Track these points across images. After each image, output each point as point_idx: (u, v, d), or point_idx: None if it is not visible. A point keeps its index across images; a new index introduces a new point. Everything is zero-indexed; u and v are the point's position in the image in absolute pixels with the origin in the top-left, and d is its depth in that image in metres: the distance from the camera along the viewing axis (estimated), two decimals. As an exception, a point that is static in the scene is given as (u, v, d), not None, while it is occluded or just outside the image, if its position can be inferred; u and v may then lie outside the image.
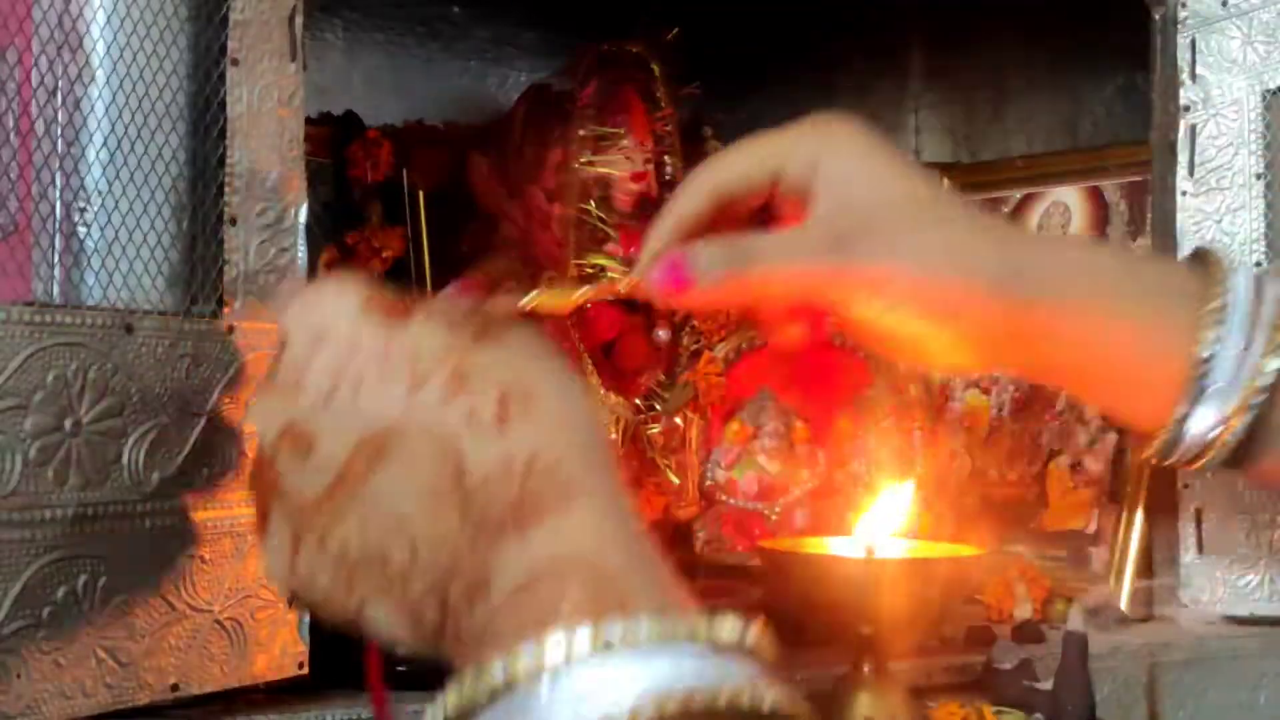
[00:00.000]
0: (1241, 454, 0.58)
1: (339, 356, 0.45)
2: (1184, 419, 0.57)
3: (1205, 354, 0.56)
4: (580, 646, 0.38)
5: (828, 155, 0.56)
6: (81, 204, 0.53)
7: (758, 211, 0.58)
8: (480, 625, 0.41)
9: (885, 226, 0.55)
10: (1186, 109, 0.78)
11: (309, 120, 0.59)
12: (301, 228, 0.57)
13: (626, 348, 0.86)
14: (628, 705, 0.37)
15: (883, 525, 0.66)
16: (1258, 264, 0.77)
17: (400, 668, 0.60)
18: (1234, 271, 0.58)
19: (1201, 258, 0.59)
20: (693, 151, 0.93)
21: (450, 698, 0.38)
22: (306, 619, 0.58)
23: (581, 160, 0.84)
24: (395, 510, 0.43)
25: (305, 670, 0.58)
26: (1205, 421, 0.56)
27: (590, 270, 0.83)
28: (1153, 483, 0.80)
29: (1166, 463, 0.58)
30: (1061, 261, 0.58)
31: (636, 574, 0.41)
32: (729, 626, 0.39)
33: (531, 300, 0.50)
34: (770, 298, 0.56)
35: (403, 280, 0.87)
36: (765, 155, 0.57)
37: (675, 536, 0.86)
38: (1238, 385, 0.56)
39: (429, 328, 0.45)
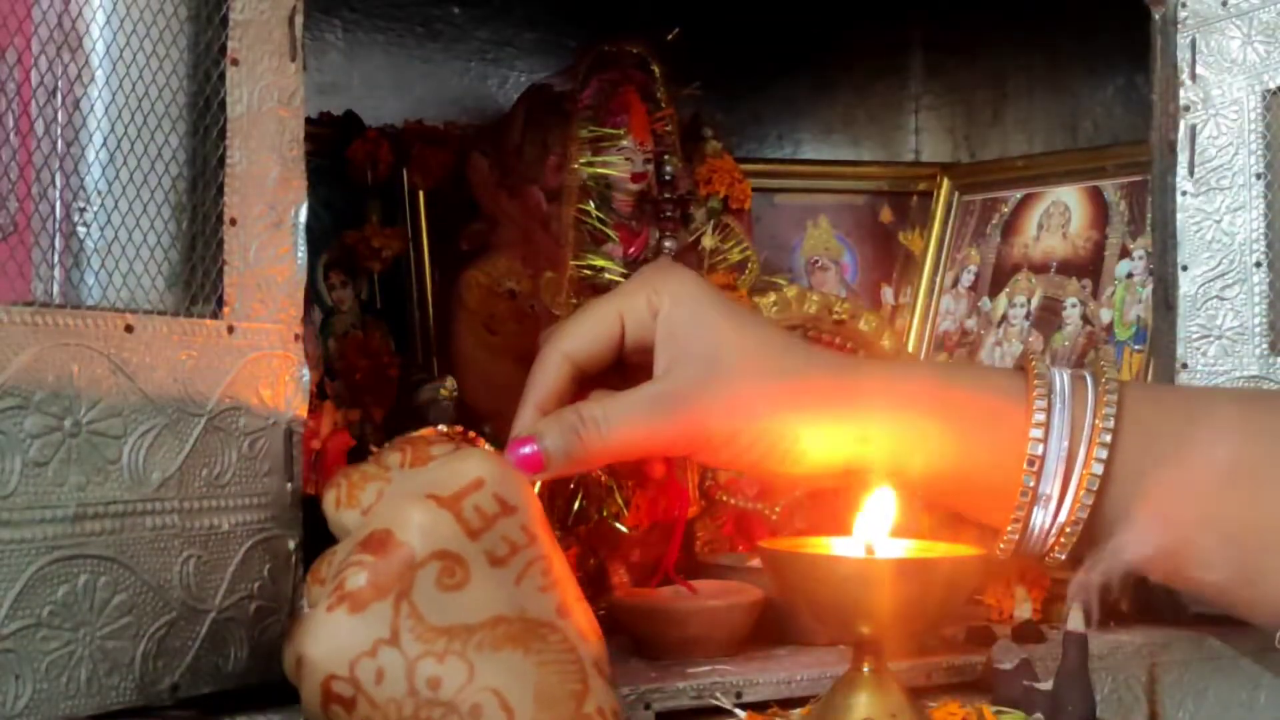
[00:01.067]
0: (1084, 544, 0.63)
1: (520, 534, 0.51)
2: (1024, 522, 0.61)
3: (1033, 461, 0.62)
4: None
5: (662, 308, 0.62)
6: (81, 204, 0.53)
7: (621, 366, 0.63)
8: None
9: (706, 381, 0.61)
10: (1186, 109, 0.78)
11: (309, 120, 0.59)
12: (301, 228, 0.57)
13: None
14: None
15: (877, 525, 0.66)
16: (1257, 264, 0.77)
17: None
18: (1053, 377, 0.63)
19: (1022, 365, 0.64)
20: (693, 151, 0.93)
21: None
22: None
23: (581, 160, 0.84)
24: (510, 689, 0.48)
25: (305, 670, 0.57)
26: (1044, 521, 0.61)
27: (589, 270, 0.83)
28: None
29: (1019, 557, 0.63)
30: (882, 385, 0.64)
31: None
32: None
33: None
34: (618, 458, 0.63)
35: (402, 280, 0.87)
36: (606, 318, 0.62)
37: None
38: (1069, 489, 0.60)
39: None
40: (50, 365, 0.49)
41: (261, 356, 0.56)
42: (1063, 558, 0.64)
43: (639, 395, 0.60)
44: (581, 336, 0.62)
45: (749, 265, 0.91)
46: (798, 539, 0.77)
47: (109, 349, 0.51)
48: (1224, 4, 0.77)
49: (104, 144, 0.53)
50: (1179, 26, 0.78)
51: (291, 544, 0.57)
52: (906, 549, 0.67)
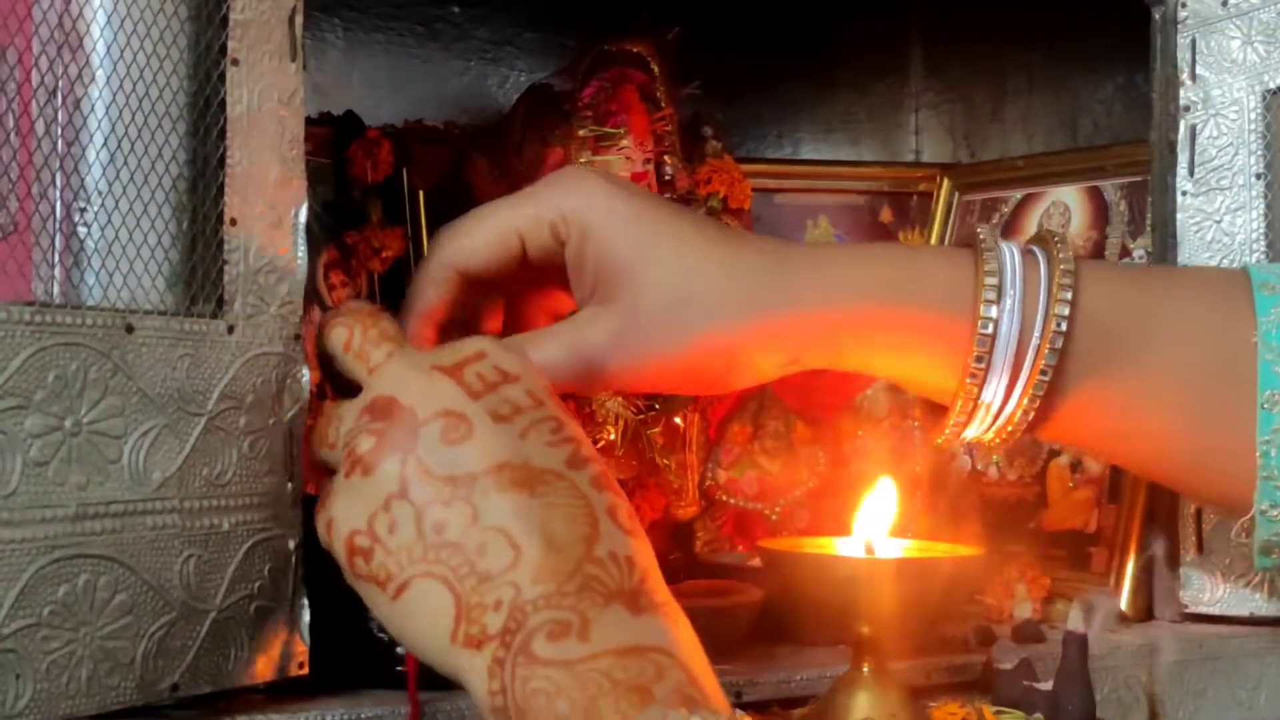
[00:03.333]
0: (1033, 429, 0.61)
1: (524, 398, 0.51)
2: (968, 418, 0.59)
3: (987, 331, 0.58)
4: None
5: (571, 240, 0.58)
6: (82, 204, 0.53)
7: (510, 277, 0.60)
8: (565, 659, 0.46)
9: (658, 314, 0.57)
10: (1186, 109, 0.78)
11: (309, 120, 0.59)
12: (301, 227, 0.57)
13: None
14: None
15: (876, 524, 0.66)
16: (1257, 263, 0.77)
17: (400, 668, 0.61)
18: (1004, 267, 0.59)
19: (969, 240, 0.62)
20: (693, 151, 0.93)
21: None
22: (307, 619, 0.57)
23: (581, 160, 0.84)
24: (516, 528, 0.48)
25: (305, 670, 0.58)
26: (993, 406, 0.59)
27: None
28: (1153, 482, 0.80)
29: (964, 438, 0.61)
30: (823, 269, 0.60)
31: (713, 690, 0.47)
32: None
33: None
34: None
35: (403, 280, 0.87)
36: (503, 237, 0.59)
37: (675, 536, 0.86)
38: (1021, 372, 0.58)
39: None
40: (51, 365, 0.49)
41: (262, 356, 0.56)
42: (1014, 439, 0.62)
43: (560, 345, 0.58)
44: (473, 252, 0.59)
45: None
46: (798, 539, 0.78)
47: (109, 349, 0.51)
48: (1224, 4, 0.77)
49: (104, 144, 0.53)
50: (1179, 26, 0.78)
51: (292, 544, 0.57)
52: (906, 549, 0.67)
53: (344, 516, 0.51)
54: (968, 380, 0.59)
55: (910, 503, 0.88)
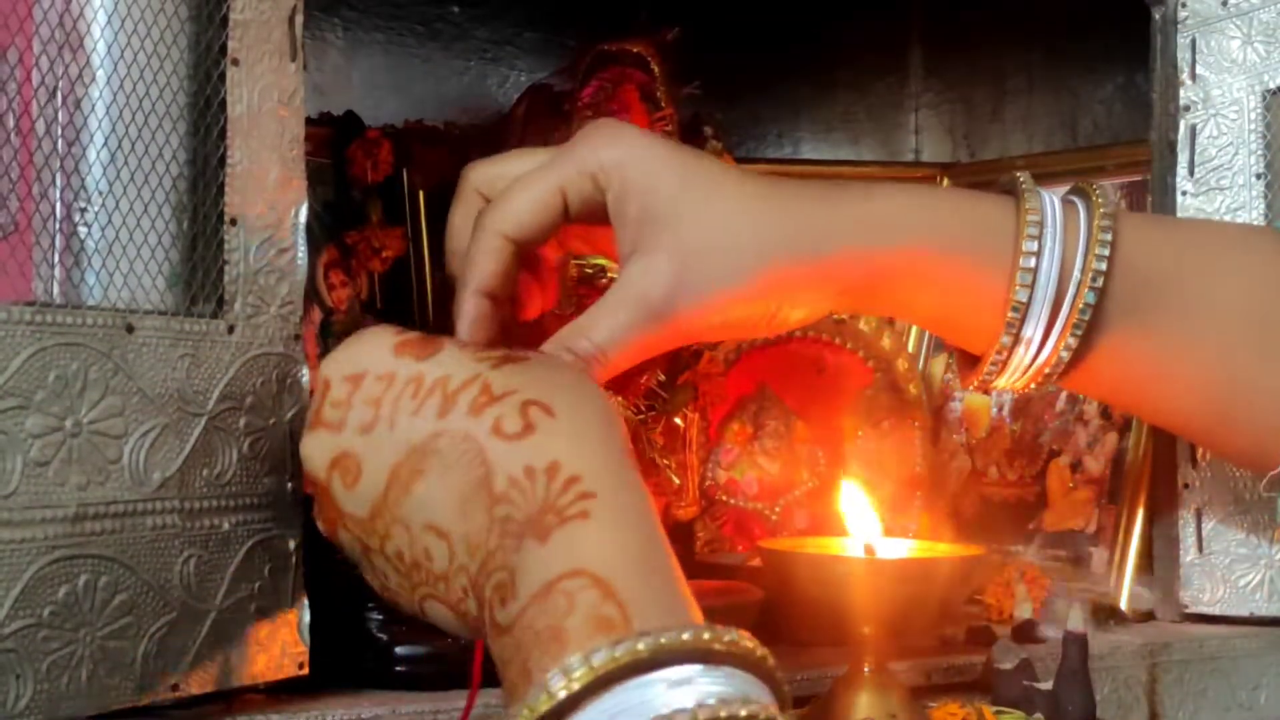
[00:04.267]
0: (1064, 377, 0.61)
1: (376, 390, 0.50)
2: (1009, 348, 0.59)
3: (1021, 297, 0.58)
4: (578, 679, 0.40)
5: (612, 188, 0.57)
6: (82, 204, 0.53)
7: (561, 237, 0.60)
8: (509, 623, 0.44)
9: (683, 263, 0.56)
10: (1186, 109, 0.78)
11: (309, 120, 0.59)
12: (301, 227, 0.57)
13: (626, 347, 0.86)
14: (646, 718, 0.39)
15: (859, 527, 0.66)
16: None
17: (400, 668, 0.61)
18: (1046, 203, 0.60)
19: (1009, 186, 0.61)
20: (693, 152, 0.92)
21: None
22: (307, 619, 0.57)
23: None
24: (435, 516, 0.47)
25: (306, 671, 0.57)
26: (1029, 351, 0.59)
27: (590, 270, 0.83)
28: (1153, 483, 0.81)
29: (998, 384, 0.61)
30: (861, 210, 0.59)
31: (642, 586, 0.43)
32: (728, 638, 0.42)
33: None
34: (619, 370, 0.58)
35: (403, 280, 0.87)
36: (546, 195, 0.58)
37: (675, 536, 0.86)
38: (1059, 317, 0.58)
39: (458, 356, 0.50)
40: (51, 365, 0.49)
41: (262, 356, 0.56)
42: (1045, 386, 0.62)
43: (624, 307, 0.57)
44: (520, 215, 0.58)
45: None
46: (798, 539, 0.78)
47: (110, 349, 0.51)
48: (1224, 4, 0.77)
49: (105, 144, 0.53)
50: (1179, 26, 0.78)
51: (292, 544, 0.57)
52: (906, 549, 0.67)
53: (369, 580, 0.52)
54: (1010, 314, 0.59)
55: (907, 500, 0.88)
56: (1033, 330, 0.60)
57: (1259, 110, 0.77)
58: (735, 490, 0.86)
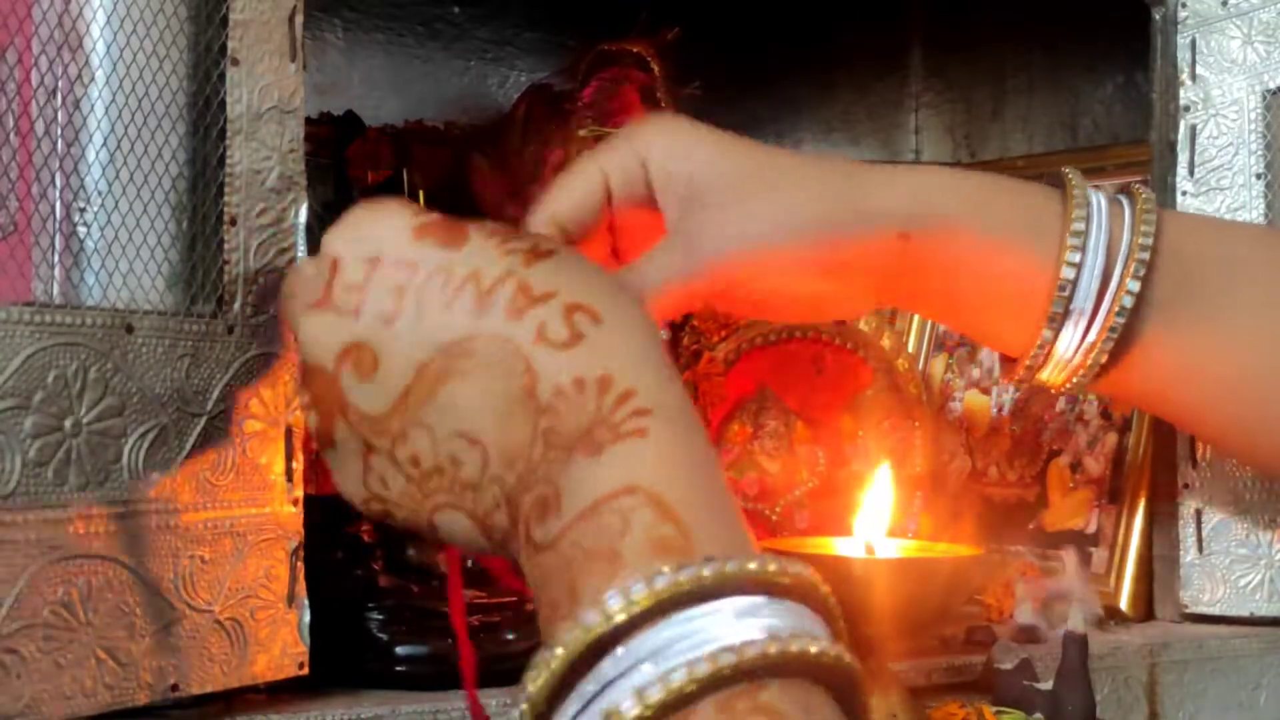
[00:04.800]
0: (1103, 373, 0.61)
1: (398, 277, 0.46)
2: (1052, 340, 0.59)
3: (1069, 275, 0.58)
4: (638, 603, 0.37)
5: (652, 158, 0.58)
6: (81, 204, 0.53)
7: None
8: (550, 540, 0.41)
9: (722, 214, 0.57)
10: (1186, 109, 0.78)
11: (309, 120, 0.59)
12: (301, 228, 0.57)
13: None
14: (712, 648, 0.36)
15: (877, 515, 0.66)
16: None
17: (400, 668, 0.61)
18: (1091, 194, 0.60)
19: (1061, 180, 0.61)
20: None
21: (535, 684, 0.38)
22: (307, 619, 0.57)
23: (581, 160, 0.83)
24: (467, 422, 0.44)
25: (306, 670, 0.57)
26: (1072, 342, 0.59)
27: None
28: (1153, 483, 0.81)
29: (1036, 380, 0.61)
30: (917, 189, 0.60)
31: (702, 509, 0.40)
32: (794, 570, 0.40)
33: None
34: (664, 316, 0.59)
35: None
36: (589, 177, 0.58)
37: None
38: (1101, 307, 0.58)
39: (485, 247, 0.46)
40: (50, 365, 0.49)
41: (261, 356, 0.56)
42: (1085, 383, 0.62)
43: (667, 256, 0.57)
44: (567, 198, 0.58)
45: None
46: (798, 539, 0.77)
47: (109, 349, 0.51)
48: (1224, 4, 0.77)
49: (104, 144, 0.53)
50: (1179, 26, 0.78)
51: (292, 543, 0.57)
52: (906, 549, 0.67)
53: (348, 490, 0.49)
54: (1056, 292, 0.59)
55: (910, 501, 0.88)
56: (1078, 315, 0.60)
57: (1259, 110, 0.77)
58: (735, 490, 0.86)
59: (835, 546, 0.67)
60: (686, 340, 0.89)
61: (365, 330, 0.46)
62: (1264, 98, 0.77)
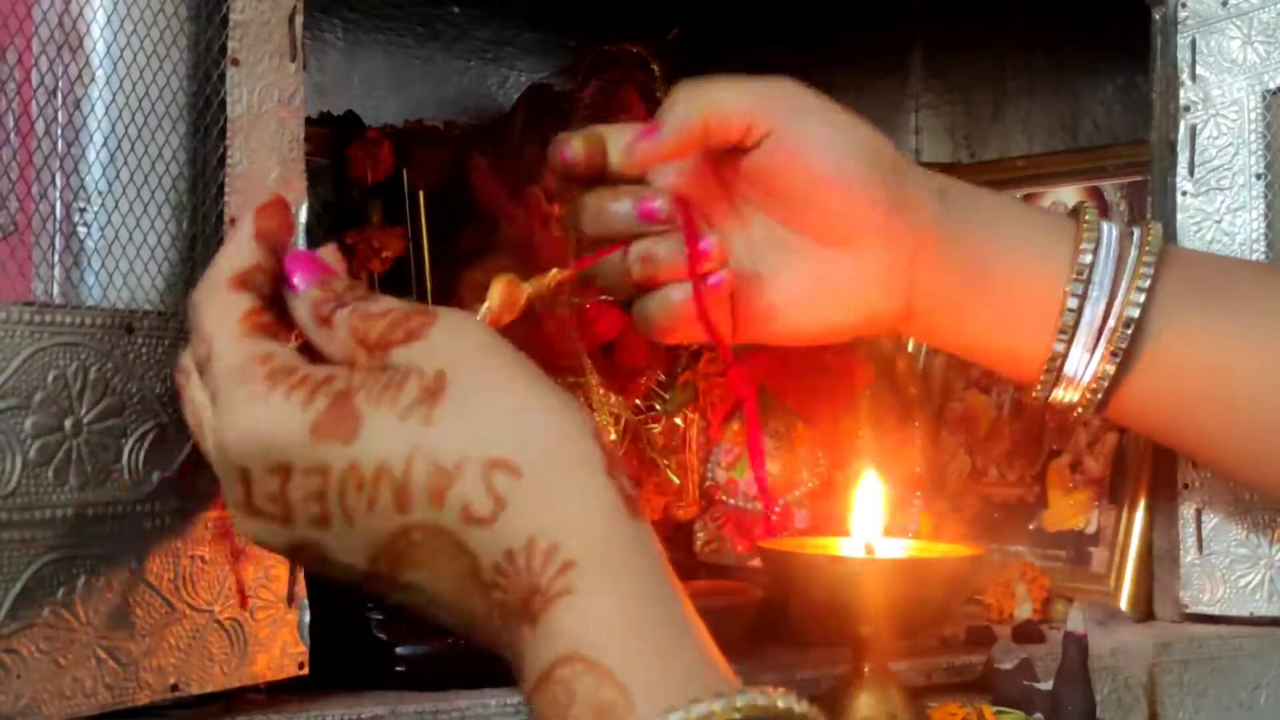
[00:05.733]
0: (1109, 397, 0.63)
1: (312, 485, 0.44)
2: (1060, 359, 0.61)
3: (1073, 304, 0.62)
4: None
5: (792, 118, 0.62)
6: (81, 204, 0.53)
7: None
8: (526, 700, 0.42)
9: (808, 119, 0.62)
10: (1186, 109, 0.78)
11: (309, 120, 0.59)
12: (301, 228, 0.57)
13: (627, 348, 0.86)
14: None
15: (869, 521, 0.66)
16: (1258, 264, 0.76)
17: (399, 668, 0.61)
18: (1101, 223, 0.63)
19: (1075, 210, 0.65)
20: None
21: None
22: (307, 619, 0.57)
23: (581, 161, 0.83)
24: (437, 599, 0.44)
25: (305, 671, 0.57)
26: (1079, 362, 0.61)
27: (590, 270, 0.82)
28: (1153, 483, 0.81)
29: (1049, 400, 0.62)
30: (985, 207, 0.64)
31: (640, 662, 0.41)
32: (740, 702, 0.39)
33: (484, 312, 0.51)
34: (722, 139, 0.60)
35: (403, 280, 0.87)
36: (749, 103, 0.61)
37: (675, 537, 0.86)
38: (1105, 330, 0.60)
39: (381, 425, 0.43)
40: (50, 365, 0.49)
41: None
42: (1091, 409, 0.64)
43: (749, 95, 0.62)
44: (728, 109, 0.61)
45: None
46: (798, 539, 0.77)
47: (109, 349, 0.51)
48: (1224, 4, 0.77)
49: (104, 144, 0.53)
50: (1179, 27, 0.78)
51: (291, 544, 0.57)
52: (906, 549, 0.67)
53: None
54: (1060, 326, 0.62)
55: (909, 501, 0.88)
56: (1086, 330, 0.62)
57: (1259, 110, 0.77)
58: (735, 490, 0.86)
59: (835, 547, 0.67)
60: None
61: (304, 534, 0.45)
62: (1264, 98, 0.77)
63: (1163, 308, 0.62)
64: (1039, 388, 0.64)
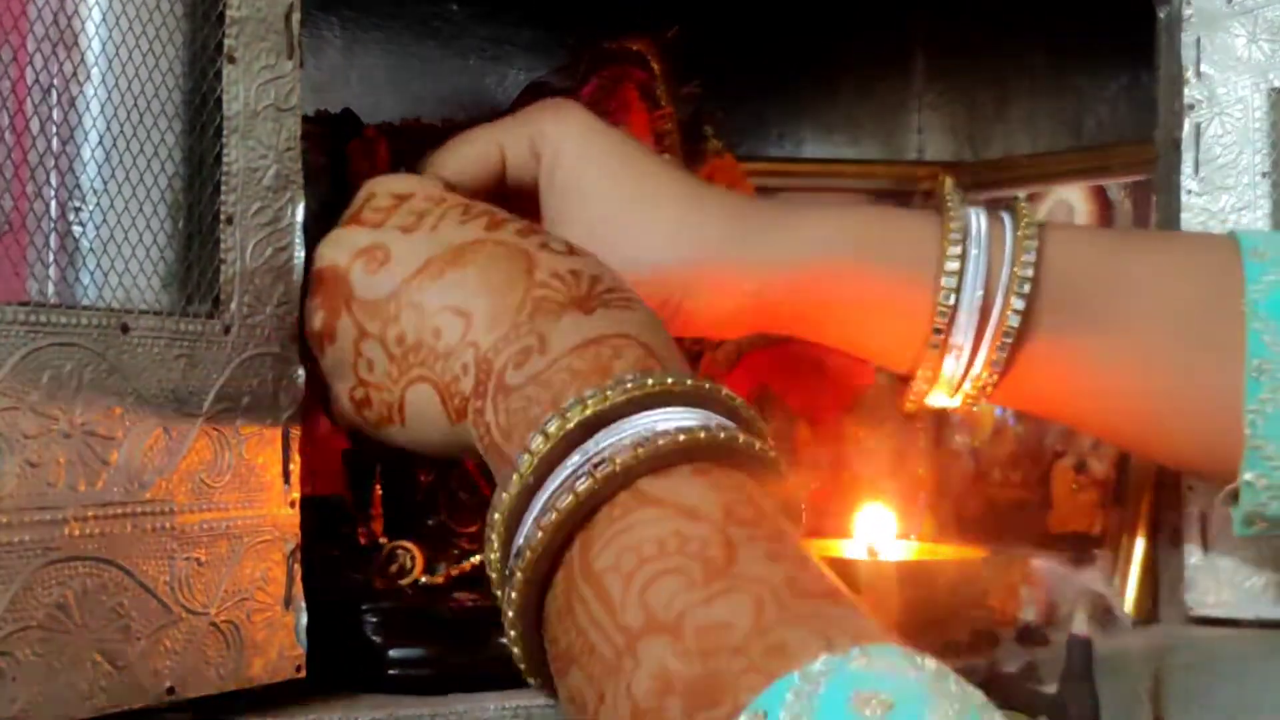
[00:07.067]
0: (994, 391, 0.61)
1: (424, 205, 0.54)
2: (940, 353, 0.59)
3: (949, 301, 0.59)
4: (646, 388, 0.44)
5: (545, 156, 0.60)
6: (77, 203, 0.52)
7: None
8: (531, 376, 0.47)
9: (611, 238, 0.58)
10: (1191, 107, 0.78)
11: (306, 118, 0.58)
12: (299, 226, 0.57)
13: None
14: (691, 424, 0.43)
15: (879, 528, 0.66)
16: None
17: (393, 671, 0.60)
18: (971, 218, 0.60)
19: (938, 198, 0.62)
20: (693, 151, 0.92)
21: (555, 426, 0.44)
22: (304, 621, 0.57)
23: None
24: (460, 298, 0.50)
25: (303, 673, 0.57)
26: (957, 370, 0.59)
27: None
28: (1158, 484, 0.80)
29: (931, 401, 0.61)
30: (793, 224, 0.61)
31: (680, 363, 0.48)
32: (738, 400, 0.46)
33: None
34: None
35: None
36: (487, 149, 0.61)
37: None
38: (986, 332, 0.59)
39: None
40: (45, 365, 0.49)
41: (259, 356, 0.55)
42: (974, 407, 0.63)
43: None
44: (460, 163, 0.62)
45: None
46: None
47: (104, 349, 0.50)
48: (1229, 2, 0.77)
49: (99, 142, 0.52)
50: (1183, 24, 0.78)
51: (289, 546, 0.57)
52: (910, 552, 0.67)
53: (338, 385, 0.55)
54: (936, 319, 0.59)
55: (913, 504, 0.87)
56: (961, 339, 0.60)
57: (1264, 108, 0.76)
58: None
59: (838, 549, 0.67)
60: (687, 341, 0.89)
61: (383, 235, 0.53)
62: (1269, 96, 0.76)
63: (1038, 327, 0.60)
64: (914, 396, 0.62)
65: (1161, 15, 0.79)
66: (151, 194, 0.54)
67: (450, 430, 0.51)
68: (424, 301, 0.51)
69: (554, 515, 0.42)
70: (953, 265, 0.59)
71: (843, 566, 0.62)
